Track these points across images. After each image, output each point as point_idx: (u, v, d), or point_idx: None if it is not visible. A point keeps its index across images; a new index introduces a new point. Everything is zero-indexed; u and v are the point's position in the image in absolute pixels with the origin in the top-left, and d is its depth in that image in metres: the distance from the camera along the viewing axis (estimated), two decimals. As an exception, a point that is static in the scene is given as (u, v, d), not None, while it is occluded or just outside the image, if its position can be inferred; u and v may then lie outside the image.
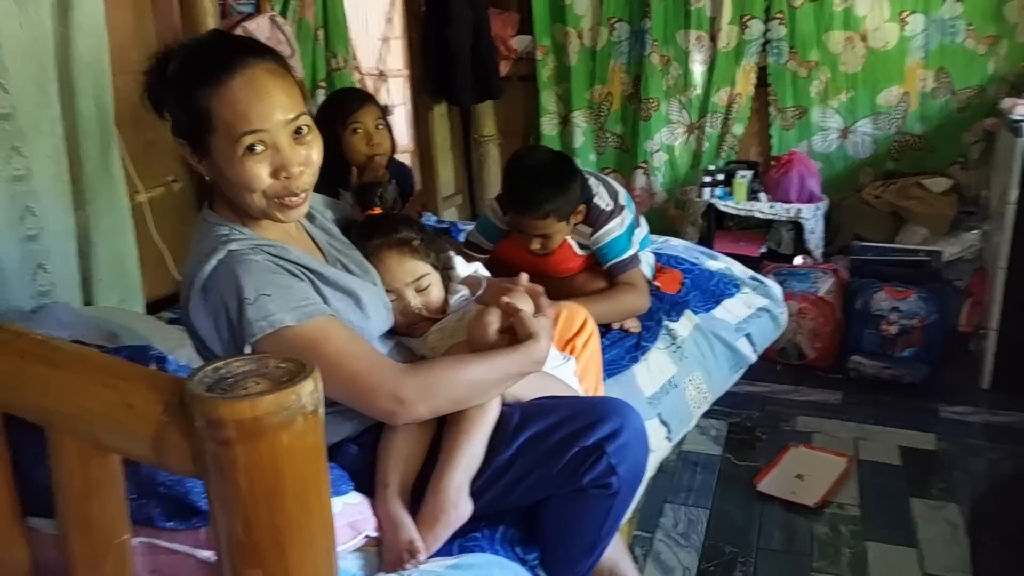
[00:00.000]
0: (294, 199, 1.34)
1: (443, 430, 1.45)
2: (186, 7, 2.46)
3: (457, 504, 1.37)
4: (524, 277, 1.56)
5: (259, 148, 1.29)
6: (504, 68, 4.23)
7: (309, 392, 0.80)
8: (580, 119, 4.33)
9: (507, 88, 4.20)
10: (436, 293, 1.61)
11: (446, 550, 1.37)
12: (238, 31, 2.55)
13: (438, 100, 4.23)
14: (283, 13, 2.91)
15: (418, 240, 1.61)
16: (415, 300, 1.58)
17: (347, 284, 1.44)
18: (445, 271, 1.66)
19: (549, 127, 4.40)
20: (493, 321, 1.45)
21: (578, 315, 1.83)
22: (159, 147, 2.51)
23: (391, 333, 1.58)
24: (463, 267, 1.72)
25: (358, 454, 1.45)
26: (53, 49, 2.02)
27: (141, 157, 2.39)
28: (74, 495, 0.94)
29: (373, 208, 1.71)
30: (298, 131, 1.32)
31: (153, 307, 2.39)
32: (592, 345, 1.84)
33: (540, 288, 1.55)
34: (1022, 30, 3.52)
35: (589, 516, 1.42)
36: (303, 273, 1.38)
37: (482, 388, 1.39)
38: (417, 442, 1.43)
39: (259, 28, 2.64)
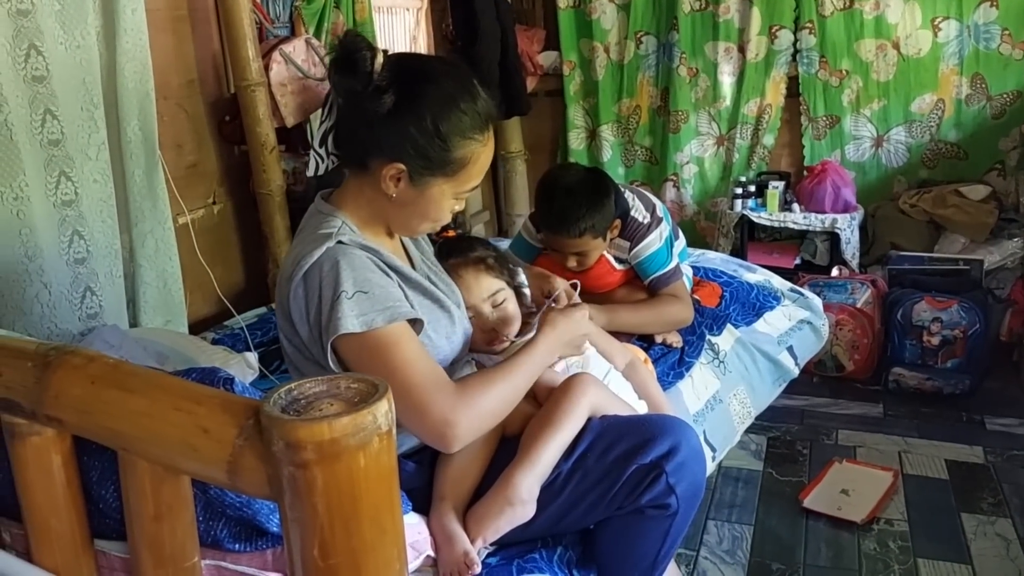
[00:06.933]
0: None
1: (525, 430, 1.47)
2: (225, 31, 2.48)
3: (525, 503, 1.37)
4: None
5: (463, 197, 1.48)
6: (531, 84, 4.24)
7: (384, 412, 0.79)
8: (608, 133, 4.33)
9: (534, 104, 4.21)
10: (511, 308, 1.66)
11: (506, 571, 1.36)
12: (276, 54, 2.57)
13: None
14: (317, 35, 2.93)
15: (492, 258, 1.68)
16: (492, 315, 1.64)
17: (432, 291, 1.49)
18: (518, 288, 1.73)
19: (576, 142, 4.40)
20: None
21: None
22: (199, 169, 2.54)
23: (468, 352, 1.61)
24: None
25: (415, 471, 1.45)
26: (100, 74, 2.04)
27: (183, 180, 2.42)
28: (146, 518, 0.93)
29: (448, 231, 1.77)
30: None
31: (195, 327, 2.41)
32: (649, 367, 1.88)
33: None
34: (1059, 34, 3.48)
35: (647, 538, 1.41)
36: (391, 273, 1.42)
37: (515, 392, 1.42)
38: (475, 458, 1.43)
39: (295, 51, 2.66)
